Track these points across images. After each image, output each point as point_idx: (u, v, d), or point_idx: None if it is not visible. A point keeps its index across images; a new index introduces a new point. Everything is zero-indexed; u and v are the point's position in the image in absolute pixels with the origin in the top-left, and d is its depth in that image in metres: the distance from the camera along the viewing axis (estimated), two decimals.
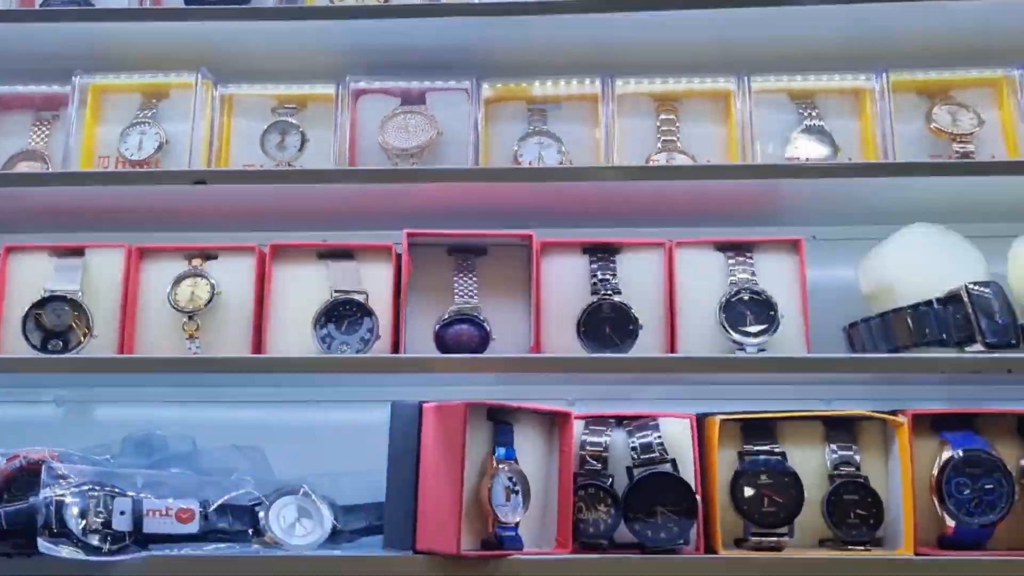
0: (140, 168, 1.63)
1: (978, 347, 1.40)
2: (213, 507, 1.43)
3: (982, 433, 1.44)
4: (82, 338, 1.50)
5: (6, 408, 1.75)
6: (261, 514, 1.46)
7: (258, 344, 1.53)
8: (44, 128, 1.71)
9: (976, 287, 1.43)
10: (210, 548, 1.39)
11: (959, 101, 1.62)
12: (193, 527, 1.40)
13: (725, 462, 1.44)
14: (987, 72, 1.63)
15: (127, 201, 1.59)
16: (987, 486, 1.39)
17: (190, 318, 1.53)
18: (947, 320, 1.42)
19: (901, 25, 1.61)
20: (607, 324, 1.48)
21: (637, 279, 1.54)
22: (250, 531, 1.45)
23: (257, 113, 1.69)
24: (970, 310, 1.41)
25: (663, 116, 1.67)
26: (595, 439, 1.44)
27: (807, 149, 1.60)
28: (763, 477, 1.42)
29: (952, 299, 1.43)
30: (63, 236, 1.67)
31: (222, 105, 1.69)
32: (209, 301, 1.54)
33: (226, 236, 1.65)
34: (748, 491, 1.40)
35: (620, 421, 1.46)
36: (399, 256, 1.54)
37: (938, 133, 1.59)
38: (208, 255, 1.58)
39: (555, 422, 1.43)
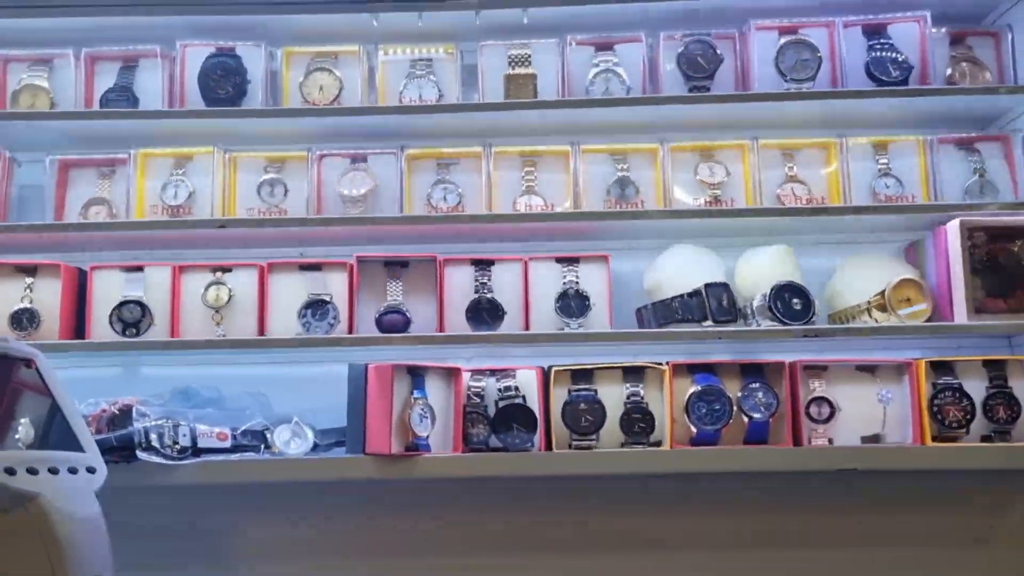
0: (176, 211, 2.41)
1: (709, 323, 2.25)
2: (239, 431, 2.22)
3: (718, 375, 2.27)
4: (148, 327, 2.29)
5: (83, 370, 2.42)
6: (268, 435, 2.26)
7: (261, 328, 2.31)
8: (106, 181, 2.46)
9: (711, 285, 2.26)
10: (238, 456, 2.17)
11: (717, 159, 2.42)
12: (227, 443, 2.19)
13: (559, 396, 2.22)
14: (736, 140, 2.40)
15: (171, 234, 2.36)
16: (716, 407, 2.23)
17: (216, 311, 2.32)
18: (692, 306, 2.26)
19: (678, 110, 2.38)
20: (484, 312, 2.27)
21: (505, 282, 2.31)
22: (262, 446, 2.22)
23: (253, 169, 2.42)
24: (705, 300, 2.25)
25: (526, 169, 2.42)
26: (476, 383, 2.23)
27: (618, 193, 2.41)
28: (582, 404, 2.21)
29: (696, 293, 2.24)
30: (122, 256, 2.45)
31: (229, 164, 2.46)
32: (228, 300, 2.33)
33: (239, 255, 2.37)
34: (571, 413, 2.20)
35: (493, 372, 2.26)
36: (351, 268, 2.35)
37: (701, 183, 2.39)
38: (226, 269, 2.32)
39: (452, 374, 2.27)
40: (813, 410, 2.23)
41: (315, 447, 2.25)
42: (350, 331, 2.29)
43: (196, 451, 2.17)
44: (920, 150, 2.39)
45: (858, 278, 2.32)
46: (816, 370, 2.27)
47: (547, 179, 2.43)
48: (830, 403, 2.23)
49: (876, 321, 2.24)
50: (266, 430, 2.24)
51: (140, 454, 2.09)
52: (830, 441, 2.22)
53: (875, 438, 2.26)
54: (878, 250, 2.44)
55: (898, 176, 2.37)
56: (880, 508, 2.32)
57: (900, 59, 2.35)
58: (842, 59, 2.38)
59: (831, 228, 2.40)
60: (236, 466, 2.15)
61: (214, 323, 2.31)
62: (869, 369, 2.29)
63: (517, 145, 2.45)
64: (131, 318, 2.28)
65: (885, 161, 2.39)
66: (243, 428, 2.22)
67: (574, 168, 2.40)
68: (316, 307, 2.29)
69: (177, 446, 2.14)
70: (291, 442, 2.24)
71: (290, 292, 2.32)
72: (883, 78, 2.34)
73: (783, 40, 2.38)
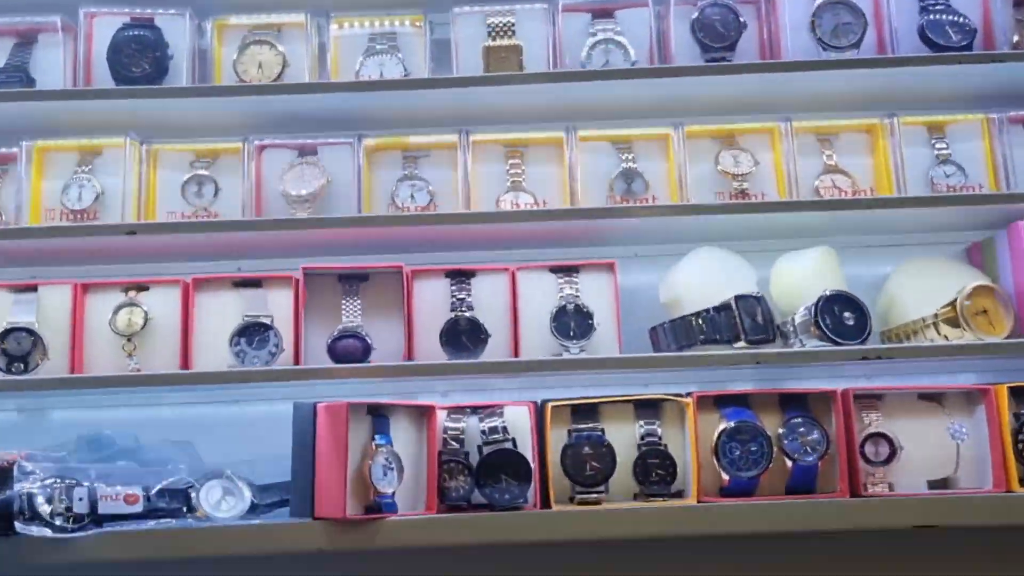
0: (80, 216, 1.96)
1: (742, 344, 1.83)
2: (154, 491, 1.74)
3: (752, 408, 1.85)
4: (39, 360, 1.80)
5: None
6: (193, 495, 1.78)
7: (185, 359, 1.84)
8: None
9: (742, 297, 1.84)
10: (152, 523, 1.70)
11: (741, 146, 2.00)
12: (138, 507, 1.72)
13: (557, 438, 1.78)
14: (763, 122, 2.00)
15: (73, 245, 1.91)
16: (752, 448, 1.80)
17: (128, 340, 1.85)
18: (720, 323, 1.83)
19: (694, 86, 1.99)
20: (463, 335, 1.83)
21: (488, 297, 1.87)
22: (184, 509, 1.75)
23: (177, 166, 1.98)
24: (736, 315, 1.82)
25: (511, 161, 2.00)
26: (454, 424, 1.78)
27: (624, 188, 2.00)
28: (586, 448, 1.77)
29: (724, 307, 1.81)
30: (17, 273, 1.99)
31: (148, 159, 2.00)
32: (143, 326, 1.85)
33: (157, 269, 1.94)
34: (573, 459, 1.77)
35: (474, 410, 1.81)
36: (297, 284, 1.88)
37: (724, 174, 1.97)
38: (141, 287, 1.87)
39: (423, 413, 1.82)
40: (868, 449, 1.81)
41: (253, 508, 1.80)
42: (296, 362, 1.83)
43: (97, 519, 1.70)
44: (984, 132, 1.99)
45: (917, 287, 1.91)
46: (870, 400, 1.85)
47: (537, 173, 2.01)
48: (889, 440, 1.81)
49: (946, 338, 1.82)
50: (190, 488, 1.78)
51: (19, 526, 1.63)
52: (890, 487, 1.80)
53: (944, 483, 1.83)
54: (934, 253, 2.03)
55: (959, 163, 1.97)
56: (954, 570, 1.89)
57: (961, 21, 1.96)
58: (891, 23, 1.98)
59: (880, 228, 2.00)
60: (148, 537, 1.68)
61: (125, 354, 1.85)
62: (933, 398, 1.87)
63: (500, 132, 2.02)
64: (18, 350, 1.82)
65: (943, 146, 1.99)
66: (159, 487, 1.76)
67: (570, 159, 1.98)
68: (253, 332, 1.83)
69: (71, 514, 1.67)
70: (222, 503, 1.78)
71: (221, 315, 1.86)
72: (942, 43, 1.94)
73: (819, 1, 1.98)
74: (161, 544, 1.68)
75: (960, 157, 1.98)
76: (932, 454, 1.83)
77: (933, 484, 1.82)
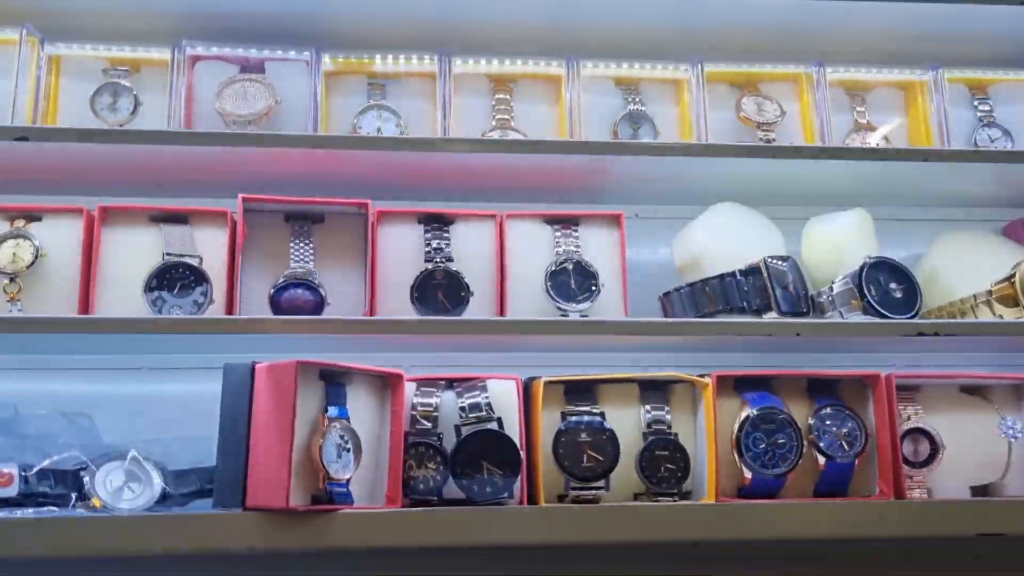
0: None
1: (773, 314, 1.54)
2: (34, 471, 1.38)
3: (777, 393, 1.55)
4: None
5: None
6: (86, 479, 1.42)
7: (85, 308, 1.45)
8: None
9: (773, 260, 1.56)
10: (26, 513, 1.32)
11: (765, 93, 1.76)
12: (11, 490, 1.35)
13: (549, 421, 1.47)
14: (790, 68, 1.76)
15: None
16: (780, 440, 1.51)
17: (11, 280, 1.45)
18: (747, 289, 1.54)
19: (715, 20, 1.72)
20: (439, 290, 1.50)
21: (470, 249, 1.56)
22: (74, 495, 1.38)
23: (87, 75, 1.61)
24: (767, 281, 1.54)
25: (498, 96, 1.70)
26: (425, 400, 1.45)
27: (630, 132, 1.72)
28: (583, 435, 1.46)
29: (752, 271, 1.54)
30: None
31: (49, 65, 1.61)
32: (32, 263, 1.46)
33: (55, 198, 1.55)
34: (568, 448, 1.45)
35: (451, 383, 1.48)
36: (233, 221, 1.52)
37: (745, 121, 1.71)
38: (32, 216, 1.49)
39: (388, 383, 1.47)
40: (906, 448, 1.55)
41: (164, 498, 1.42)
42: (229, 312, 1.47)
43: None
44: None
45: (964, 262, 1.67)
46: (907, 391, 1.58)
47: (528, 112, 1.71)
48: (931, 437, 1.55)
49: (1001, 317, 1.57)
50: (82, 470, 1.39)
51: None
52: (929, 493, 1.53)
53: (984, 489, 1.58)
54: (970, 228, 1.79)
55: (1004, 125, 1.75)
56: None
57: None
58: None
59: (917, 195, 1.77)
60: (24, 528, 1.29)
61: (7, 297, 1.45)
62: (976, 391, 1.62)
63: (485, 62, 1.71)
64: None
65: (987, 107, 1.76)
66: (41, 466, 1.36)
67: (569, 98, 1.68)
68: (175, 276, 1.46)
69: None
70: (124, 490, 1.40)
71: (135, 256, 1.49)
72: None
73: None
74: (41, 538, 1.29)
75: (1004, 122, 1.76)
76: (977, 455, 1.57)
77: (976, 491, 1.57)
